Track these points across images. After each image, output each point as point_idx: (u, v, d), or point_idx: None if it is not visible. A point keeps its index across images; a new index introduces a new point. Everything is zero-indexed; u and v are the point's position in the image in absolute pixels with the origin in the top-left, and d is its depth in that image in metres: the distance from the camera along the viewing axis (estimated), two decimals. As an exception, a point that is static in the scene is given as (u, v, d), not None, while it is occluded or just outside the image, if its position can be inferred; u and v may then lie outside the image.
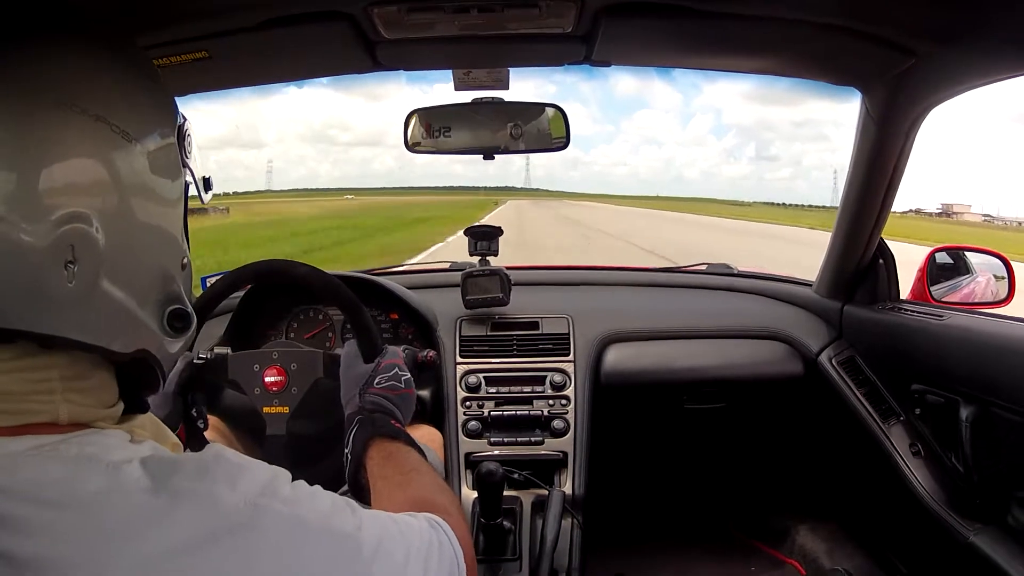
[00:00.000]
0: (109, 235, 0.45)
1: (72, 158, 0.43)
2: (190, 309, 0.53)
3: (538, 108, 1.33)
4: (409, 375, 0.93)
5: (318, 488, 0.52)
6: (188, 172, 0.56)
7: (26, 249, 0.40)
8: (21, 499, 0.39)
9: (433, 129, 1.33)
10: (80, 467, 0.42)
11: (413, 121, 1.33)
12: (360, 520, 0.51)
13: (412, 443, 0.80)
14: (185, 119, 0.56)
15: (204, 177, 0.60)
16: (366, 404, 0.86)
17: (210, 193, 0.62)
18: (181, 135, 0.54)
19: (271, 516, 0.46)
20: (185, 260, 0.55)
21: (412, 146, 1.35)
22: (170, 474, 0.44)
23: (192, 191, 0.61)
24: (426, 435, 1.06)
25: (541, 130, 1.33)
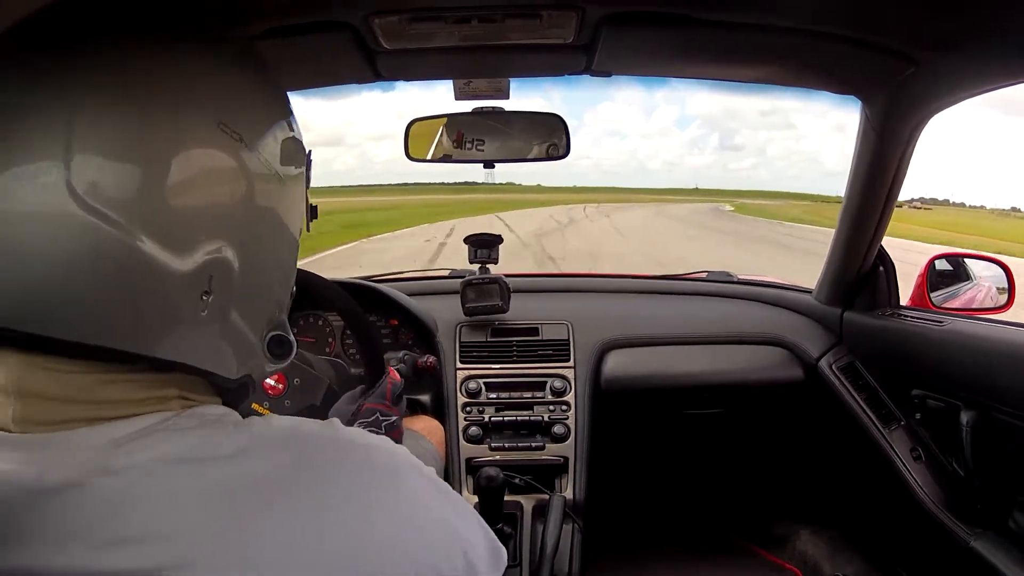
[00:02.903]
0: (244, 267, 0.45)
1: (225, 186, 0.43)
2: (291, 337, 0.53)
3: (547, 118, 1.35)
4: (395, 417, 0.91)
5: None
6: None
7: (168, 276, 0.40)
8: (157, 472, 0.39)
9: (465, 135, 1.34)
10: (213, 430, 0.42)
11: (441, 130, 1.34)
12: None
13: None
14: (310, 150, 0.55)
15: (312, 206, 0.59)
16: None
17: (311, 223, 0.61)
18: (308, 164, 0.54)
19: (401, 459, 0.48)
20: (294, 289, 0.55)
21: (441, 157, 1.38)
22: (296, 425, 0.45)
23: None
24: (426, 427, 1.05)
25: (552, 140, 1.35)
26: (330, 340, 1.50)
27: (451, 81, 1.20)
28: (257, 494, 0.40)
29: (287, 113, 0.51)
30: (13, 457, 0.39)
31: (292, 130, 0.51)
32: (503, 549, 0.56)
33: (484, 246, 1.57)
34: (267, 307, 0.50)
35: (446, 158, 1.36)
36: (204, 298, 0.42)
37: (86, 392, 0.41)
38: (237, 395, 0.51)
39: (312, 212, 0.59)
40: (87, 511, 0.38)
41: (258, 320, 0.49)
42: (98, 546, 0.37)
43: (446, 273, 1.89)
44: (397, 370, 1.21)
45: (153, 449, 0.40)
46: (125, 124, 0.39)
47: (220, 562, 0.38)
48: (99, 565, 0.37)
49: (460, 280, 1.58)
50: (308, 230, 0.57)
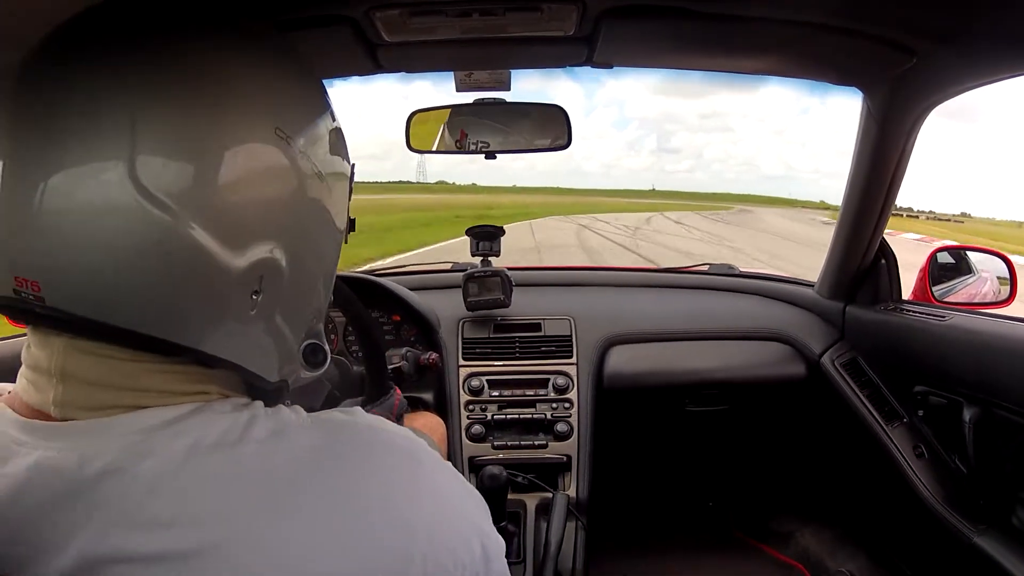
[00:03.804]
0: (292, 271, 0.46)
1: (279, 190, 0.44)
2: (326, 346, 0.54)
3: (548, 109, 1.35)
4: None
5: None
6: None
7: (223, 272, 0.41)
8: (197, 454, 0.40)
9: (468, 136, 1.35)
10: (245, 415, 0.44)
11: (442, 127, 1.35)
12: None
13: None
14: (354, 163, 0.56)
15: (351, 219, 0.59)
16: None
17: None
18: (351, 175, 0.54)
19: (421, 446, 0.49)
20: (331, 299, 0.56)
21: (444, 150, 1.37)
22: (322, 413, 0.47)
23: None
24: (427, 424, 1.05)
25: (553, 131, 1.35)
26: (332, 337, 1.50)
27: (452, 72, 1.20)
28: (285, 478, 0.41)
29: (334, 122, 0.51)
30: (53, 445, 0.40)
31: (341, 140, 0.52)
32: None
33: (486, 238, 1.56)
34: (308, 313, 0.51)
35: (449, 151, 1.37)
36: (254, 297, 0.43)
37: (129, 379, 0.42)
38: (270, 399, 0.52)
39: (351, 225, 0.60)
40: (126, 496, 0.39)
41: (299, 325, 0.50)
42: (135, 529, 0.38)
43: (448, 267, 1.89)
44: (400, 368, 1.20)
45: (188, 435, 0.41)
46: (187, 125, 0.40)
47: (249, 545, 0.39)
48: (136, 548, 0.38)
49: (462, 274, 1.58)
50: (346, 241, 0.57)
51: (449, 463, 0.51)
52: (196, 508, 0.39)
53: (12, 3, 0.56)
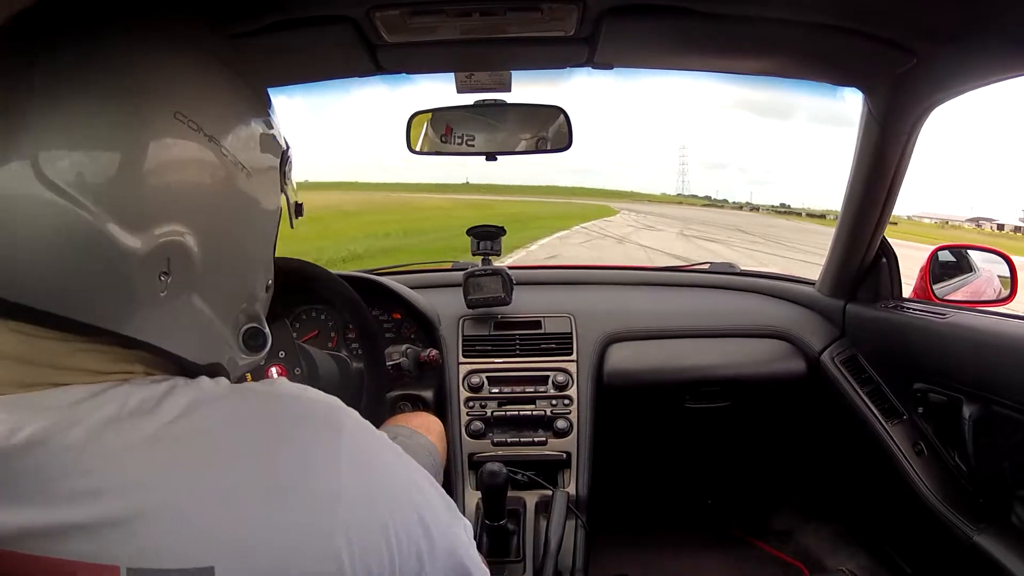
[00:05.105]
0: (205, 253, 0.46)
1: (182, 173, 0.44)
2: (266, 330, 0.54)
3: (548, 110, 1.34)
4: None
5: None
6: (284, 198, 0.56)
7: (126, 254, 0.42)
8: (120, 426, 0.41)
9: (455, 134, 1.34)
10: (162, 388, 0.44)
11: (425, 124, 1.34)
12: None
13: None
14: (289, 146, 0.56)
15: (297, 203, 0.60)
16: None
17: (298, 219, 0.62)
18: (284, 161, 0.55)
19: (346, 415, 0.49)
20: (270, 283, 0.56)
21: (429, 150, 1.37)
22: (240, 384, 0.47)
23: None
24: (423, 423, 1.05)
25: (552, 132, 1.34)
26: (332, 335, 1.50)
27: (453, 74, 1.20)
28: (203, 448, 0.42)
29: (259, 109, 0.52)
30: None
31: (264, 126, 0.52)
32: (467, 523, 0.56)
33: (487, 237, 1.56)
34: (235, 296, 0.51)
35: (439, 152, 1.36)
36: (162, 279, 0.44)
37: (56, 358, 0.43)
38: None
39: (298, 209, 0.60)
40: (48, 467, 0.40)
41: (226, 309, 0.50)
42: (56, 500, 0.39)
43: (448, 265, 1.89)
44: (399, 364, 1.20)
45: (107, 407, 0.42)
46: (85, 113, 0.41)
47: (170, 515, 0.40)
48: (56, 519, 0.39)
49: (463, 272, 1.58)
50: (292, 227, 0.58)
51: (381, 432, 0.51)
52: (117, 477, 0.40)
53: None
